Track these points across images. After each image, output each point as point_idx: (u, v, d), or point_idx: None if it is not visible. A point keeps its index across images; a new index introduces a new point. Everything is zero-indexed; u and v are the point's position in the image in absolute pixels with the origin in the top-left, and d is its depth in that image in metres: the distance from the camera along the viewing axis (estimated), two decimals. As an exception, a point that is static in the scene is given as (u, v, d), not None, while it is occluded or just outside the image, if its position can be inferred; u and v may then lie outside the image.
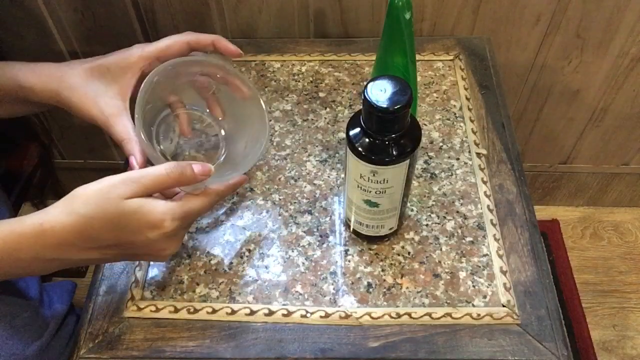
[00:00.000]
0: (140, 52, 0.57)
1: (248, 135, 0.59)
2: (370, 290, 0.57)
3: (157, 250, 0.47)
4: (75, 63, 0.57)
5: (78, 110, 0.55)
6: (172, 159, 0.58)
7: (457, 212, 0.63)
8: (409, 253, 0.60)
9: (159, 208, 0.45)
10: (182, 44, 0.57)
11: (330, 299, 0.57)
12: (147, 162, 0.53)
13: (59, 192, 1.21)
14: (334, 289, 0.57)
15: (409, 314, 0.55)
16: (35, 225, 0.44)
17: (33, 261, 0.45)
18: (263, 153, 0.60)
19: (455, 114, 0.72)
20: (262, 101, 0.57)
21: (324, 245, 0.60)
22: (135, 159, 0.53)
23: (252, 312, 0.56)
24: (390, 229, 0.58)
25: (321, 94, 0.75)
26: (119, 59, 0.57)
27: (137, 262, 0.59)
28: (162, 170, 0.46)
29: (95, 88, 0.55)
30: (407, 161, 0.49)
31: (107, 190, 0.44)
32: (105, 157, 1.14)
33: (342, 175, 0.66)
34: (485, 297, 0.56)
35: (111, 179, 0.45)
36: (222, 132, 0.61)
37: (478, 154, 0.67)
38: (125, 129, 0.54)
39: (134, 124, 0.52)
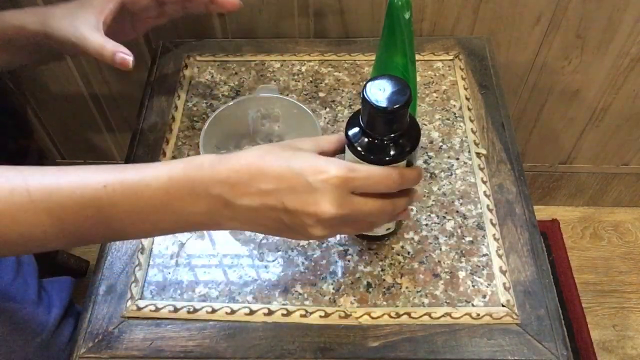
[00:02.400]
0: None
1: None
2: (370, 290, 0.57)
3: (311, 204, 0.42)
4: None
5: (59, 35, 0.58)
6: None
7: (457, 212, 0.63)
8: (408, 253, 0.60)
9: (329, 160, 0.44)
10: None
11: (330, 298, 0.57)
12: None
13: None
14: (333, 288, 0.57)
15: (409, 314, 0.55)
16: (214, 157, 0.44)
17: (201, 199, 0.43)
18: None
19: (455, 113, 0.72)
20: (310, 112, 0.62)
21: (324, 245, 0.60)
22: (120, 54, 0.55)
23: (252, 312, 0.56)
24: (388, 229, 0.58)
25: (321, 94, 0.75)
26: None
27: (137, 262, 0.59)
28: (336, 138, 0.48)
29: (73, 11, 0.58)
30: (406, 161, 0.49)
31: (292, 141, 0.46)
32: (105, 157, 1.14)
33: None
34: (484, 296, 0.56)
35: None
36: None
37: (478, 154, 0.67)
38: (99, 40, 0.56)
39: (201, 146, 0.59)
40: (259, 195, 0.42)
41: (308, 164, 0.42)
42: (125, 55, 0.55)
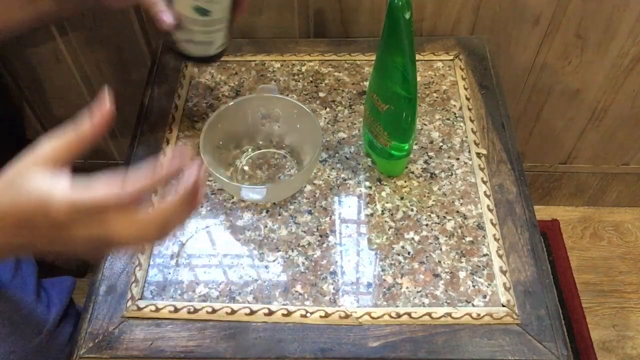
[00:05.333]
0: None
1: (309, 143, 0.64)
2: (370, 290, 0.57)
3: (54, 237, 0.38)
4: None
5: None
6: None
7: (457, 212, 0.63)
8: (408, 253, 0.60)
9: (55, 190, 0.37)
10: None
11: (330, 298, 0.57)
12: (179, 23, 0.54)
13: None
14: (333, 288, 0.57)
15: (409, 314, 0.55)
16: None
17: None
18: (319, 156, 0.66)
19: (455, 114, 0.72)
20: (310, 112, 0.63)
21: (324, 245, 0.60)
22: (166, 15, 0.53)
23: (252, 312, 0.56)
24: (220, 46, 0.57)
25: (321, 94, 0.75)
26: None
27: (137, 262, 0.59)
28: (70, 132, 0.40)
29: None
30: None
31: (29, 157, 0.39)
32: (105, 157, 1.14)
33: (342, 175, 0.66)
34: (485, 297, 0.56)
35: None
36: (293, 161, 0.68)
37: (478, 154, 0.67)
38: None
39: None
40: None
41: (34, 200, 0.37)
42: (163, 18, 0.54)
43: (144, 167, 0.38)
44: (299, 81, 0.76)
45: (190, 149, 0.40)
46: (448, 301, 0.56)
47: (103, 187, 0.37)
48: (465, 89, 0.74)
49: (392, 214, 0.63)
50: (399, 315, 0.55)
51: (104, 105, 0.40)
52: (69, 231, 0.38)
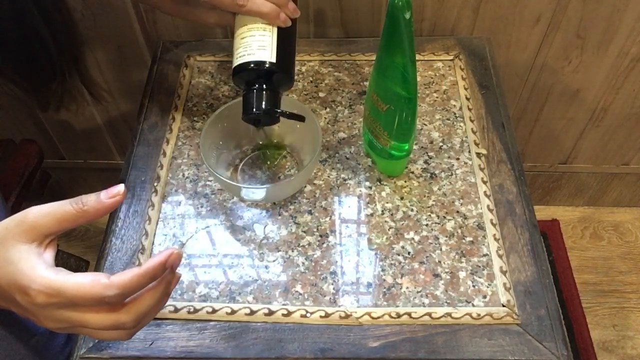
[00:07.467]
0: None
1: (309, 143, 0.64)
2: (370, 290, 0.57)
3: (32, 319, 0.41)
4: None
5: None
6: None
7: (457, 212, 0.63)
8: (408, 253, 0.60)
9: (37, 271, 0.38)
10: None
11: (330, 298, 0.57)
12: None
13: (59, 193, 1.21)
14: (334, 288, 0.57)
15: (409, 314, 0.55)
16: None
17: None
18: (319, 156, 0.66)
19: (455, 114, 0.72)
20: (310, 112, 0.62)
21: (324, 245, 0.60)
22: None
23: (252, 312, 0.56)
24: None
25: (321, 94, 0.75)
26: None
27: (137, 262, 0.59)
28: (68, 206, 0.40)
29: None
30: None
31: (14, 221, 0.40)
32: (105, 157, 1.14)
33: (342, 175, 0.66)
34: (485, 297, 0.56)
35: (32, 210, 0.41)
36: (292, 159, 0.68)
37: (478, 154, 0.67)
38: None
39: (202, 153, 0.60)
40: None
41: (10, 279, 0.39)
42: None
43: (129, 269, 0.38)
44: (299, 81, 0.76)
45: (178, 251, 0.40)
46: (448, 301, 0.56)
47: (88, 282, 0.38)
48: (465, 89, 0.74)
49: (392, 214, 0.63)
50: (399, 315, 0.55)
51: (118, 193, 0.40)
52: (44, 311, 0.39)
